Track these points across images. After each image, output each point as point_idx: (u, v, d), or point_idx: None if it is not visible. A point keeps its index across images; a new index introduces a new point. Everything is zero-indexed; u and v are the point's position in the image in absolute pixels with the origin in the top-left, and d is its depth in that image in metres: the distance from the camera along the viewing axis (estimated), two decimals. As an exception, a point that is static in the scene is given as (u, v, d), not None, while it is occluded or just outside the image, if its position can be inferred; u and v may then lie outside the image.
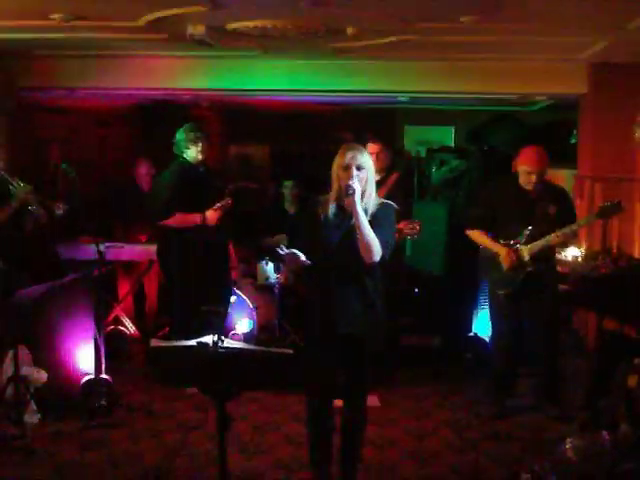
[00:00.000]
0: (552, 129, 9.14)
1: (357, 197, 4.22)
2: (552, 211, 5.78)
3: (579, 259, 6.74)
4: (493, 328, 6.30)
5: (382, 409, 6.15)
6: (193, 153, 6.51)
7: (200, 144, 6.52)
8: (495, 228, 5.93)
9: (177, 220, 6.43)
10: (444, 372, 7.11)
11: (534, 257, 5.75)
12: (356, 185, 4.23)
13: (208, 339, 3.27)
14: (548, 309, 5.93)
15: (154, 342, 3.42)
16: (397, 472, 5.09)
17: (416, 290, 7.88)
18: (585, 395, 5.96)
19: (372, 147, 6.42)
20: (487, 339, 7.30)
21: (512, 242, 5.79)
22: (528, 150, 5.81)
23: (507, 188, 5.96)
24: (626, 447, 4.53)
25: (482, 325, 7.42)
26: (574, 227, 5.68)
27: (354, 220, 4.25)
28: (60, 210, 6.22)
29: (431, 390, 6.71)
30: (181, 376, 3.48)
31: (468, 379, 6.85)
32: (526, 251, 5.74)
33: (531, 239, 5.74)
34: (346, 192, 4.24)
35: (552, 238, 5.68)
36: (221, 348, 3.25)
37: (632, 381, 5.48)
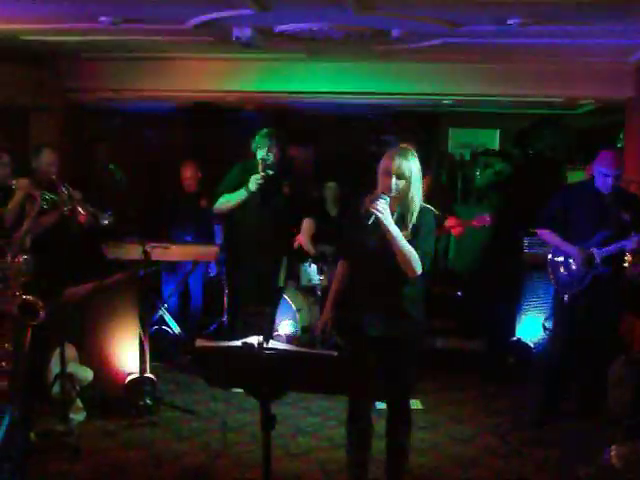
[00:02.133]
0: (598, 133, 9.03)
1: (386, 217, 4.17)
2: (626, 217, 5.69)
3: (626, 264, 6.65)
4: (554, 331, 6.23)
5: (425, 413, 6.13)
6: (259, 155, 6.65)
7: (266, 149, 6.63)
8: (567, 230, 5.89)
9: (225, 202, 6.66)
10: (487, 376, 7.07)
11: (604, 261, 5.69)
12: (381, 207, 4.15)
13: (253, 340, 3.28)
14: (610, 316, 5.88)
15: (199, 342, 3.44)
16: (439, 476, 5.08)
17: (459, 293, 7.86)
18: (630, 402, 5.88)
19: None
20: (531, 344, 7.26)
21: (584, 245, 5.74)
22: (606, 153, 5.74)
23: (582, 191, 5.89)
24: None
25: (526, 329, 7.38)
26: None
27: (389, 238, 4.19)
28: (106, 220, 6.32)
29: (474, 394, 6.69)
30: (226, 376, 3.49)
31: (512, 384, 6.80)
32: (597, 254, 5.67)
33: (603, 243, 5.69)
34: (373, 215, 4.15)
35: (626, 244, 5.61)
36: (266, 349, 3.26)
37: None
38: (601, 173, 5.69)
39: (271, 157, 6.63)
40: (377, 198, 4.17)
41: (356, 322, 4.45)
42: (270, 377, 3.29)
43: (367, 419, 4.57)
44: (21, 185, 5.58)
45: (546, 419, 5.95)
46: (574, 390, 6.25)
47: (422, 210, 4.37)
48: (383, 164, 4.28)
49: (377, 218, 4.15)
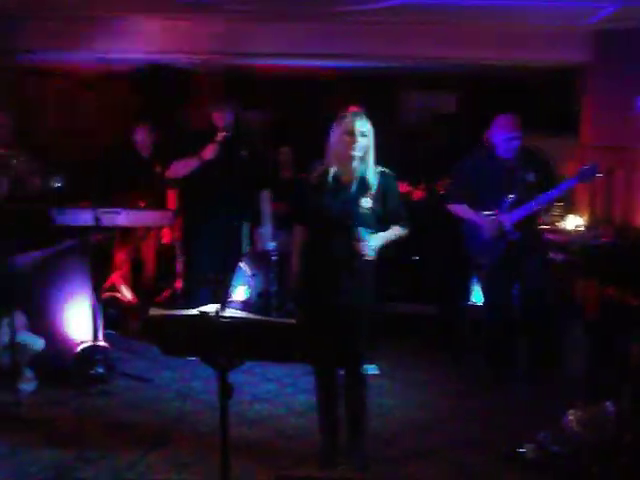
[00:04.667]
0: (555, 97, 8.99)
1: (376, 243, 4.32)
2: (532, 178, 5.74)
3: (581, 228, 6.69)
4: (484, 298, 6.27)
5: (381, 378, 6.10)
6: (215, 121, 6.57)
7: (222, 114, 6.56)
8: (476, 200, 5.88)
9: (175, 168, 6.64)
10: (443, 341, 7.07)
11: (516, 225, 5.70)
12: (366, 246, 4.27)
13: (210, 308, 3.20)
14: (536, 276, 5.91)
15: (153, 310, 3.34)
16: (397, 442, 5.05)
17: (415, 258, 7.83)
18: (587, 365, 5.93)
19: None
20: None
21: (493, 212, 5.74)
22: (503, 117, 5.77)
23: (484, 160, 5.90)
24: (628, 417, 4.50)
25: (480, 294, 7.38)
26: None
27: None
28: (57, 183, 6.19)
29: (430, 359, 6.69)
30: (181, 345, 3.40)
31: (468, 348, 6.81)
32: (507, 220, 5.70)
33: (512, 207, 5.70)
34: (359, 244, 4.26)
35: (533, 205, 5.66)
36: (223, 317, 3.17)
37: (634, 350, 5.45)
38: (504, 138, 5.71)
39: (227, 122, 6.52)
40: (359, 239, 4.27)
41: (322, 290, 4.43)
42: (227, 346, 3.22)
43: (335, 384, 4.62)
44: None
45: (500, 382, 5.97)
46: (527, 354, 6.30)
47: (382, 174, 4.39)
48: (343, 126, 4.27)
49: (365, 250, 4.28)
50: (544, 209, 5.87)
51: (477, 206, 5.86)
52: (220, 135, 6.39)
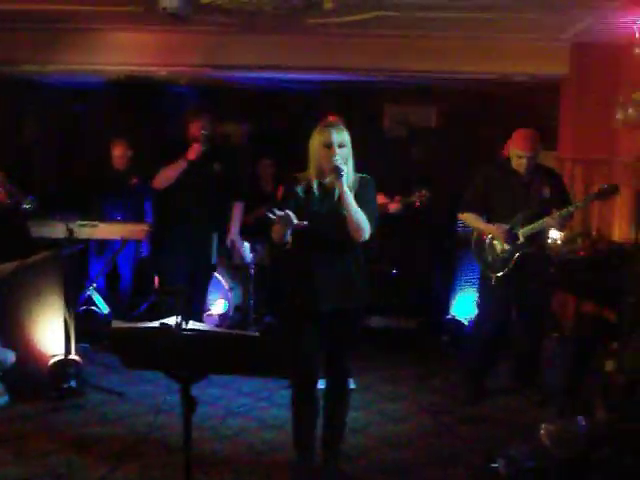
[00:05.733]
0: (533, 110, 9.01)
1: (344, 178, 4.21)
2: (546, 193, 5.69)
3: (558, 242, 6.66)
4: (480, 312, 6.21)
5: (358, 392, 6.05)
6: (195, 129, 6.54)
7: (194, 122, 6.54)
8: (489, 212, 5.84)
9: (163, 174, 6.51)
10: (422, 355, 7.04)
11: (529, 239, 5.66)
12: (343, 166, 4.21)
13: (172, 320, 3.16)
14: (537, 294, 5.86)
15: (115, 323, 3.30)
16: (371, 456, 5.01)
17: (394, 271, 7.80)
18: (564, 379, 5.90)
19: None
20: (465, 322, 7.25)
21: (507, 225, 5.70)
22: (520, 133, 5.70)
23: (500, 171, 5.85)
24: (601, 433, 4.46)
25: (460, 307, 7.37)
26: (571, 209, 5.54)
27: (343, 202, 4.24)
28: (28, 205, 6.15)
29: (408, 373, 6.66)
30: (144, 358, 3.36)
31: (446, 362, 6.78)
32: (521, 233, 5.65)
33: (526, 222, 5.65)
34: (337, 175, 4.20)
35: (548, 220, 5.56)
36: (185, 330, 3.13)
37: (609, 366, 5.42)
38: (515, 154, 5.68)
39: (204, 131, 6.49)
40: (337, 168, 4.19)
41: (305, 297, 4.39)
42: (189, 359, 3.17)
43: (315, 399, 4.56)
44: None
45: (478, 397, 5.94)
46: (509, 368, 6.27)
47: (360, 179, 4.41)
48: (321, 138, 4.28)
49: (339, 178, 4.18)
50: (559, 225, 5.76)
51: (491, 218, 5.81)
52: (202, 136, 6.39)
